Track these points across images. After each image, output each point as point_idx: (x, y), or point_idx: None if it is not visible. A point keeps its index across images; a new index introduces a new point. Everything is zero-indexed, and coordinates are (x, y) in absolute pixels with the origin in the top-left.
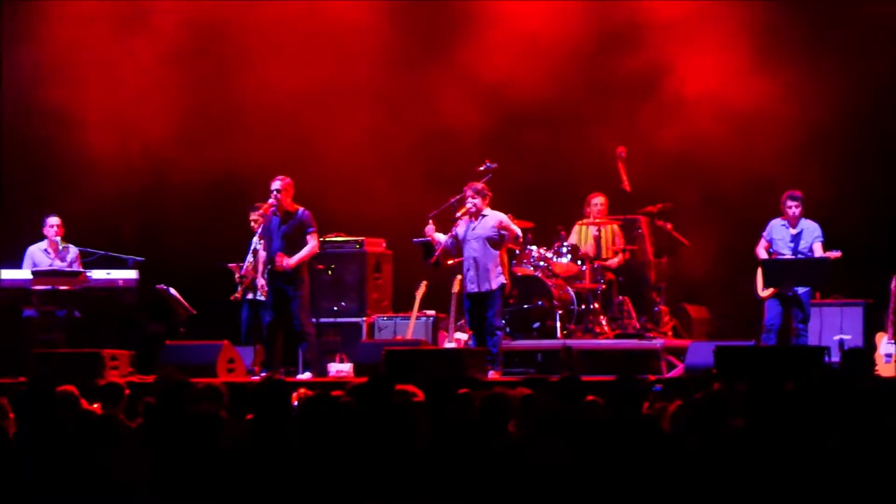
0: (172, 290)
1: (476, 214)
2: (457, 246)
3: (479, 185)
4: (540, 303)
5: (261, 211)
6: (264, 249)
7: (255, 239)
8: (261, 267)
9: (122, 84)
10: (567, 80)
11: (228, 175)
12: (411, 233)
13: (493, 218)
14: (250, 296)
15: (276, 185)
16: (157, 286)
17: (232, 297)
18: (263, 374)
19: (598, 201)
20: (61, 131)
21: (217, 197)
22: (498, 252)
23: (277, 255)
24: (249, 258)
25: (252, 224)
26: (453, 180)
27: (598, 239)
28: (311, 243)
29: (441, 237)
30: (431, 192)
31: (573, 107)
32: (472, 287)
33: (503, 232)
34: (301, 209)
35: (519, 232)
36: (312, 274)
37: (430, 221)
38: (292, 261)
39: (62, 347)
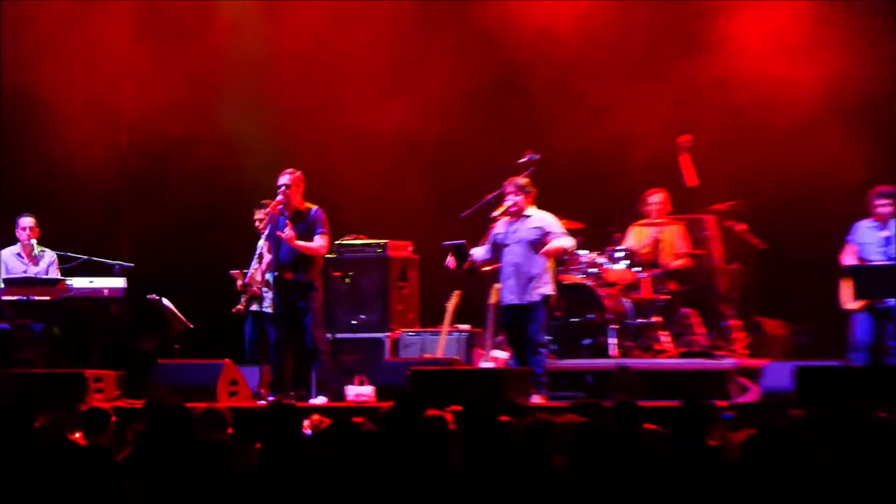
0: (166, 301)
1: (517, 214)
2: (495, 250)
3: (521, 181)
4: (591, 316)
5: (267, 209)
6: (269, 252)
7: (261, 242)
8: (262, 275)
9: (100, 65)
10: (620, 56)
11: (229, 168)
12: (442, 234)
13: (538, 219)
14: (255, 307)
15: (284, 179)
16: (148, 296)
17: (234, 310)
18: (271, 398)
19: (656, 199)
20: (33, 118)
21: (217, 193)
22: (543, 258)
23: (284, 254)
24: (254, 264)
25: (257, 224)
26: (490, 175)
27: (658, 242)
28: (319, 242)
29: (478, 251)
30: (464, 189)
31: (627, 88)
32: (511, 298)
33: (546, 243)
34: (314, 208)
35: (569, 244)
36: (327, 282)
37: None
38: (297, 241)
39: (39, 367)
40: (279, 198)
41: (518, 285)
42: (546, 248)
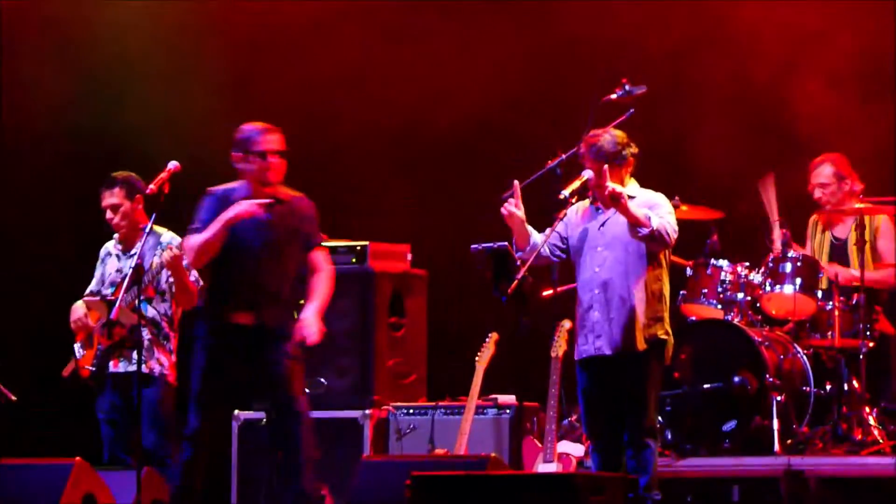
0: None
1: (603, 195)
2: (563, 257)
3: (610, 137)
4: (738, 380)
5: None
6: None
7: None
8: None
9: None
10: None
11: (98, 143)
12: (468, 235)
13: (646, 201)
14: (122, 367)
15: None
16: None
17: (66, 373)
18: None
19: (821, 177)
20: None
21: (80, 174)
22: (654, 270)
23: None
24: (122, 293)
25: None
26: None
27: (840, 247)
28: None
29: (535, 236)
30: (500, 166)
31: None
32: (595, 345)
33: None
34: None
35: (671, 231)
36: None
37: (515, 188)
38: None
39: None
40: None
41: (609, 321)
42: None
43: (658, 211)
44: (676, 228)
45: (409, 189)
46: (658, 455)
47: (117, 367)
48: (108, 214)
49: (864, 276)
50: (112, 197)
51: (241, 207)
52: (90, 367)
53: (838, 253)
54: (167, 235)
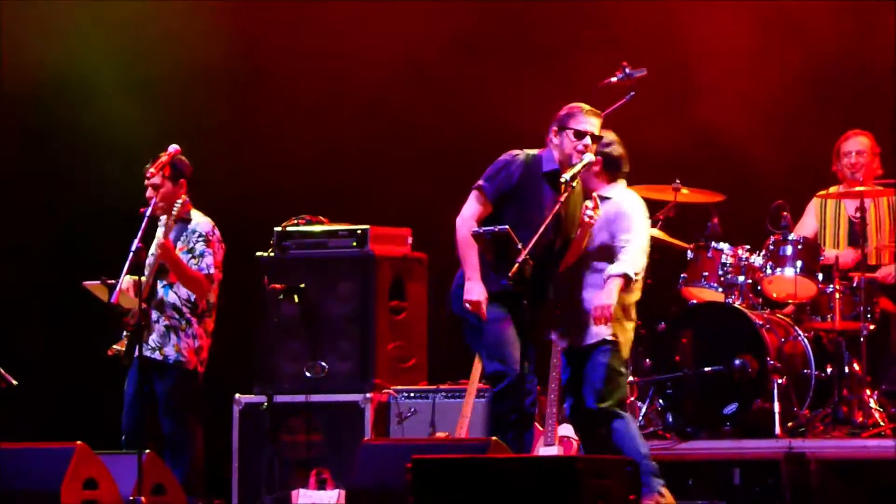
0: None
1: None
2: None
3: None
4: (739, 362)
5: (152, 173)
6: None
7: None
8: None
9: None
10: None
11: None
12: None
13: (618, 204)
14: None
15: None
16: None
17: (110, 352)
18: None
19: (858, 145)
20: None
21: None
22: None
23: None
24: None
25: (150, 196)
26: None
27: (859, 226)
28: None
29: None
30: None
31: None
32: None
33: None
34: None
35: (635, 270)
36: (266, 301)
37: None
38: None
39: None
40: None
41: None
42: (607, 278)
43: (623, 237)
44: (645, 251)
45: (410, 172)
46: (659, 437)
47: (143, 351)
48: (149, 192)
49: (865, 260)
50: (155, 177)
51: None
52: (120, 349)
53: (856, 231)
54: (195, 222)
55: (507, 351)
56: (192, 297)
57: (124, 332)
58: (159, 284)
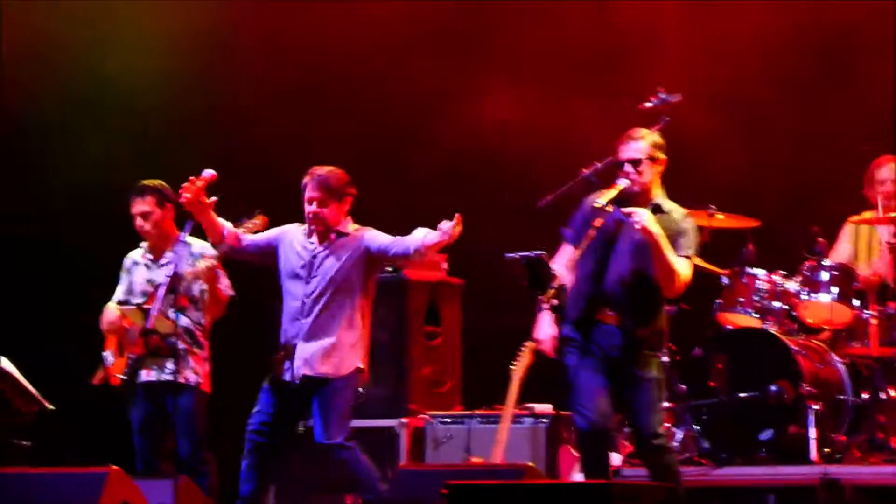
0: (4, 362)
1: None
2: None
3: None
4: (774, 388)
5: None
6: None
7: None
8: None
9: None
10: None
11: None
12: (505, 244)
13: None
14: (160, 375)
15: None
16: None
17: (97, 380)
18: None
19: (892, 172)
20: None
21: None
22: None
23: None
24: (158, 299)
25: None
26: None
27: (893, 252)
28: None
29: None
30: (541, 164)
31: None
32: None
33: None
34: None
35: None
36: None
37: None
38: None
39: None
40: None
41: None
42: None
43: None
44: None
45: (446, 197)
46: (694, 463)
47: (149, 375)
48: (139, 222)
49: None
50: (143, 204)
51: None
52: (121, 376)
53: (888, 261)
54: (198, 245)
55: (579, 399)
56: (202, 321)
57: (107, 359)
58: (170, 310)
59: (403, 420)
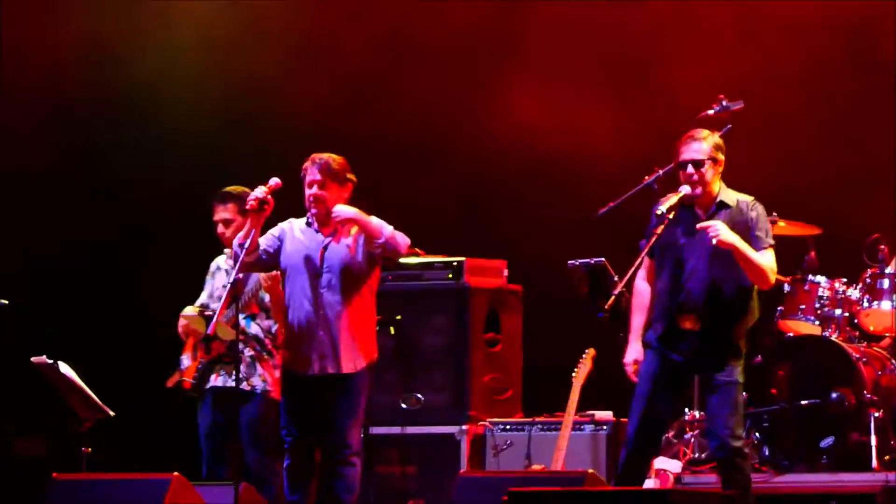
0: (65, 368)
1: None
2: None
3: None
4: (835, 396)
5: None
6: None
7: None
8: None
9: None
10: None
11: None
12: (565, 251)
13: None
14: (221, 381)
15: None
16: (36, 359)
17: (171, 383)
18: None
19: None
20: None
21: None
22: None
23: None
24: (213, 303)
25: (221, 231)
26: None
27: None
28: None
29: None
30: (602, 171)
31: None
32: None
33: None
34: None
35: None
36: None
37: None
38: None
39: None
40: (273, 183)
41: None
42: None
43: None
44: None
45: (507, 204)
46: (755, 470)
47: (217, 380)
48: (220, 228)
49: None
50: (225, 212)
51: None
52: (191, 380)
53: None
54: None
55: (632, 408)
56: (273, 329)
57: (182, 363)
58: (240, 316)
59: (464, 427)
